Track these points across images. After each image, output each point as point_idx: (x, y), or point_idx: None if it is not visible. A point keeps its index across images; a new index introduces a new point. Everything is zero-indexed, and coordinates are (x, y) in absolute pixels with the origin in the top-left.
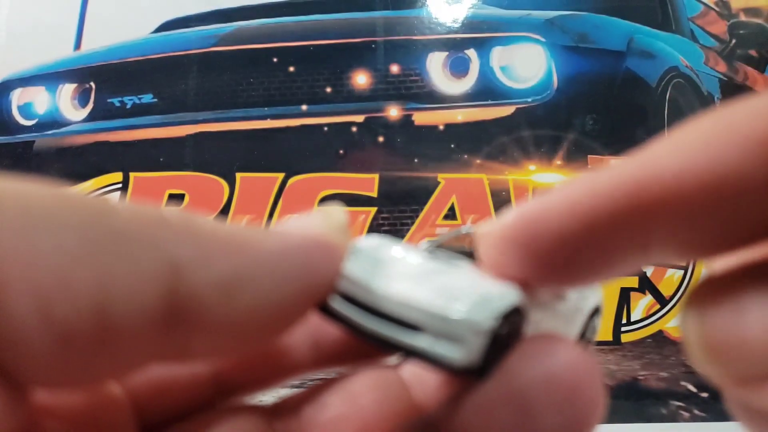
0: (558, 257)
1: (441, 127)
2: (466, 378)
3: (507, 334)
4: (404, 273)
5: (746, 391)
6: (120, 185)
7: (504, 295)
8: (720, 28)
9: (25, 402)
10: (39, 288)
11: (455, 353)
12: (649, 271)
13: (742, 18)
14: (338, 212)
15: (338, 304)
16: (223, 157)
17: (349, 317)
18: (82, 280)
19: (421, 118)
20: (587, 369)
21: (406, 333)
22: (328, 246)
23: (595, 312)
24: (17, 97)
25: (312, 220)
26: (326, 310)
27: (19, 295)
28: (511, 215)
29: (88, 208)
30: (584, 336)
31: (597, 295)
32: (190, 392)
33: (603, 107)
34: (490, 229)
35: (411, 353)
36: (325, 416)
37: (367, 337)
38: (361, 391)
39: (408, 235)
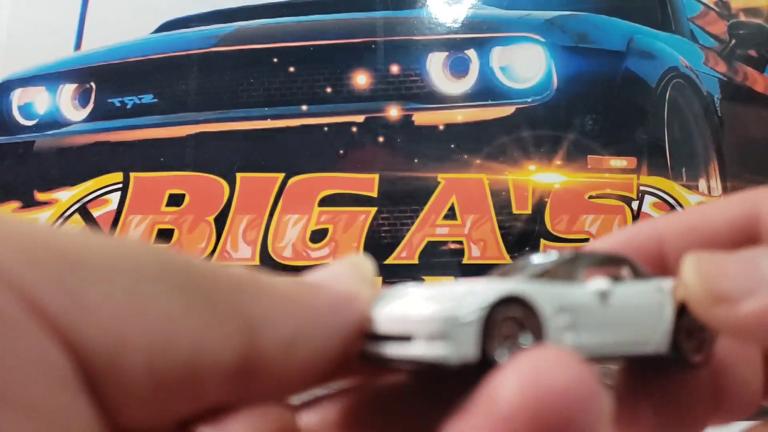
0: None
1: (441, 128)
2: (471, 376)
3: (515, 325)
4: (403, 297)
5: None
6: (120, 185)
7: (496, 289)
8: (720, 28)
9: None
10: (150, 346)
11: (448, 350)
12: None
13: (742, 18)
14: (367, 265)
15: (368, 346)
16: (223, 157)
17: (369, 352)
18: (182, 339)
19: (421, 118)
20: (586, 394)
21: (402, 345)
22: (364, 300)
23: (682, 310)
24: (18, 97)
25: (345, 272)
26: (365, 357)
27: (134, 350)
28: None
29: (187, 270)
30: (678, 346)
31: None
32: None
33: (603, 107)
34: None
35: (415, 364)
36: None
37: (381, 362)
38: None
39: (408, 235)
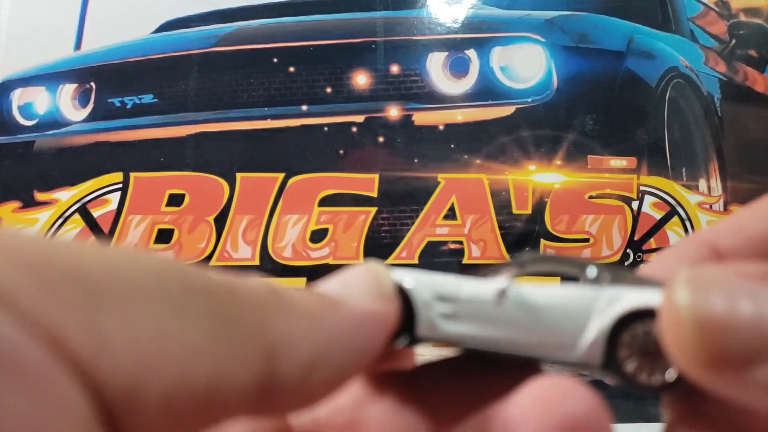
0: None
1: (441, 127)
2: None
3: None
4: None
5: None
6: (120, 185)
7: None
8: (720, 28)
9: None
10: (168, 380)
11: None
12: None
13: (742, 18)
14: (385, 275)
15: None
16: (223, 157)
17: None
18: (202, 368)
19: (421, 118)
20: (602, 417)
21: None
22: (385, 319)
23: (627, 320)
24: (18, 97)
25: (364, 285)
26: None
27: (151, 386)
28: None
29: (210, 292)
30: (612, 358)
31: (633, 299)
32: (236, 414)
33: (603, 107)
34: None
35: None
36: (339, 419)
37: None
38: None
39: (408, 235)
